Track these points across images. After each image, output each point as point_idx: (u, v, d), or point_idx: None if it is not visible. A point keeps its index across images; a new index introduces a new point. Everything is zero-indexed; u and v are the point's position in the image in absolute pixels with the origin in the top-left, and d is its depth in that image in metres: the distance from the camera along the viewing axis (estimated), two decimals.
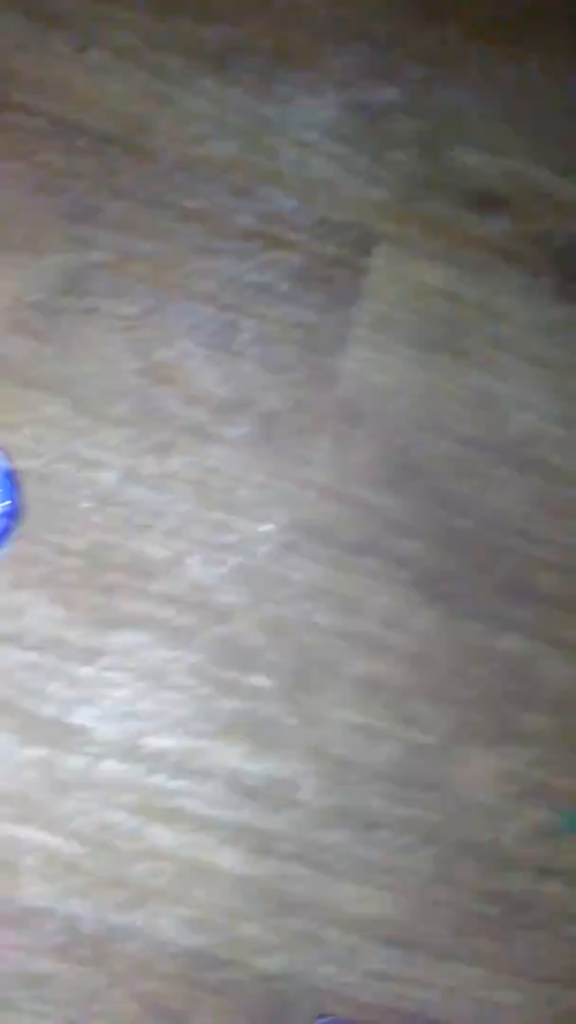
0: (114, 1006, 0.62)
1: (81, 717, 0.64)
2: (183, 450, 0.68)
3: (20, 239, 0.69)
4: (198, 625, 0.66)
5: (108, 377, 0.68)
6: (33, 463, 0.66)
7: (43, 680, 0.64)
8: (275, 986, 0.63)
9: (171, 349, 0.69)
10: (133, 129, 0.71)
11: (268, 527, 0.67)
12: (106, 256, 0.70)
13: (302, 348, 0.71)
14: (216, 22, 0.74)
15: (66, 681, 0.64)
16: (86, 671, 0.64)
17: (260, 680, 0.66)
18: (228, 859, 0.64)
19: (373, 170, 0.74)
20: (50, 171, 0.69)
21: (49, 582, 0.65)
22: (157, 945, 0.63)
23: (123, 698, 0.65)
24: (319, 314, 0.71)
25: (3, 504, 0.63)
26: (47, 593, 0.65)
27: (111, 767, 0.64)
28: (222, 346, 0.70)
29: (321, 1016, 0.62)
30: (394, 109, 0.76)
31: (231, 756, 0.65)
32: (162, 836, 0.64)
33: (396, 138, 0.75)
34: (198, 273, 0.71)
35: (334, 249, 0.73)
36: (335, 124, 0.74)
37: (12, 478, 0.64)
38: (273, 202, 0.72)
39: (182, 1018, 0.62)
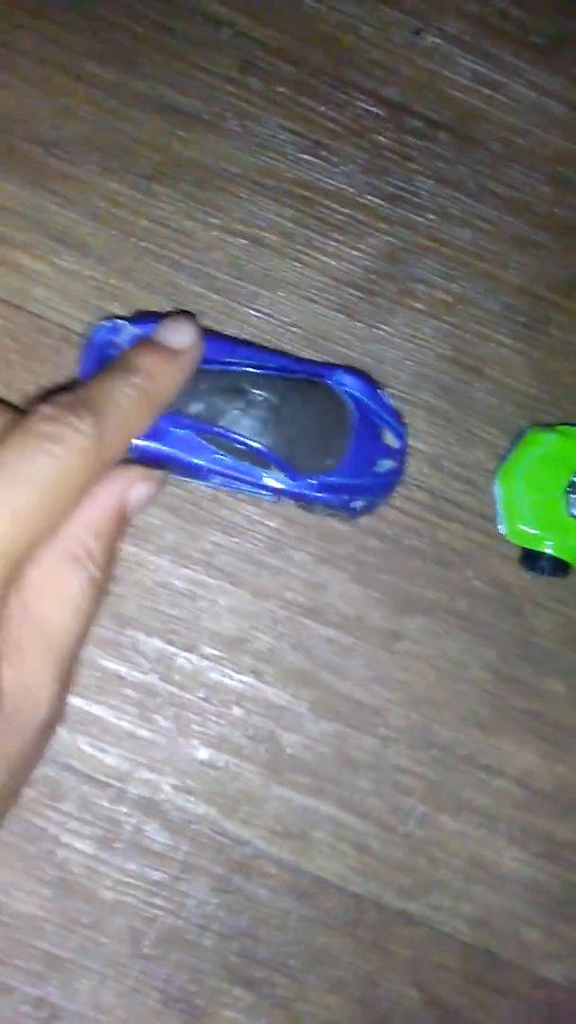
0: (394, 989, 0.62)
1: (375, 697, 0.64)
2: (489, 444, 0.67)
3: (343, 219, 0.69)
4: (493, 620, 0.65)
5: (416, 361, 0.68)
6: None
7: (341, 656, 0.64)
8: (555, 995, 0.62)
9: (482, 339, 0.69)
10: (461, 115, 0.71)
11: None
12: (425, 241, 0.69)
13: None
14: (549, 12, 0.73)
15: (362, 660, 0.64)
16: (382, 653, 0.64)
17: (554, 684, 0.65)
18: (513, 859, 0.63)
19: None
20: (378, 152, 0.70)
21: (351, 561, 0.65)
22: (438, 936, 0.62)
23: (416, 684, 0.64)
24: None
25: (397, 445, 0.63)
26: (350, 571, 0.65)
27: (402, 751, 0.64)
28: (533, 342, 0.69)
29: None
30: None
31: (522, 756, 0.64)
32: (448, 827, 0.63)
33: None
34: (514, 264, 0.70)
35: None
36: None
37: (399, 417, 0.64)
38: None
39: (459, 1011, 0.62)
